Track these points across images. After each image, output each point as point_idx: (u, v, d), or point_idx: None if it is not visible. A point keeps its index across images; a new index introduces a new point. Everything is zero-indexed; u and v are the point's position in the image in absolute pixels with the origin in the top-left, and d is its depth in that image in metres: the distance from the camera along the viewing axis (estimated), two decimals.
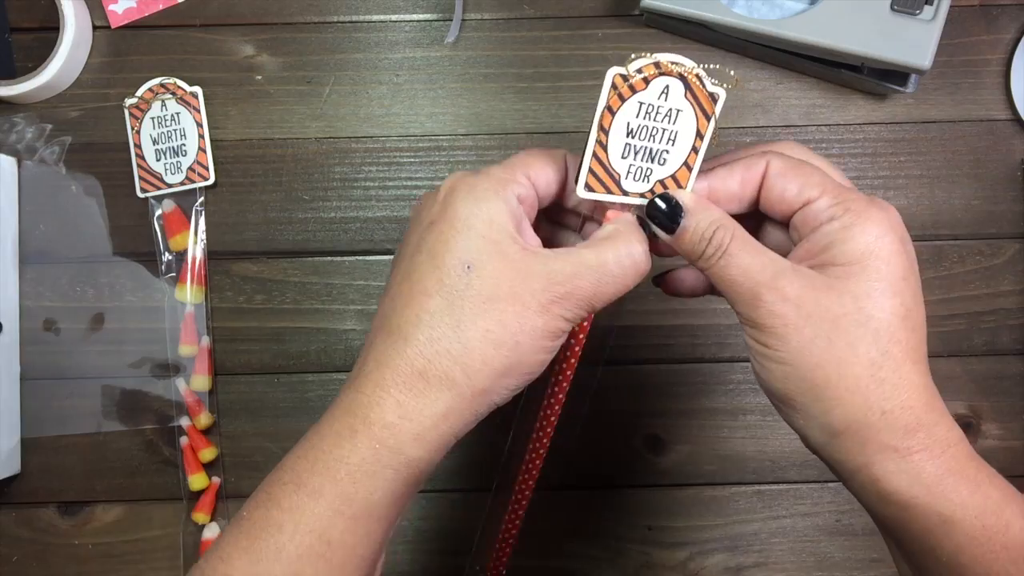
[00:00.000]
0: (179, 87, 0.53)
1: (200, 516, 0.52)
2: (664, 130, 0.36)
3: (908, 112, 0.54)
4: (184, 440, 0.53)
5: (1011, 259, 0.54)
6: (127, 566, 0.53)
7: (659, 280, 0.39)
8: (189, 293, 0.53)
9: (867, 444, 0.31)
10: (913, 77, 0.52)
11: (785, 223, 0.35)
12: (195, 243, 0.54)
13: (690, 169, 0.36)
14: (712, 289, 0.38)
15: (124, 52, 0.55)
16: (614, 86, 0.35)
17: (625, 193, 0.36)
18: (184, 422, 0.53)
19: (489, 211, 0.33)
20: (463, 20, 0.54)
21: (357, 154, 0.54)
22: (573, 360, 0.40)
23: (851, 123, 0.54)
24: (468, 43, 0.55)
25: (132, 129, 0.54)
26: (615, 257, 0.33)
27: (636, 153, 0.36)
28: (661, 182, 0.36)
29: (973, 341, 0.54)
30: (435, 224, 0.33)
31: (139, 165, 0.54)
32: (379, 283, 0.54)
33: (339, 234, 0.54)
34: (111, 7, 0.54)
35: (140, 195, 0.54)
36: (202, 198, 0.54)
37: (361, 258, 0.54)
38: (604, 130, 0.36)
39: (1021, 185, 0.54)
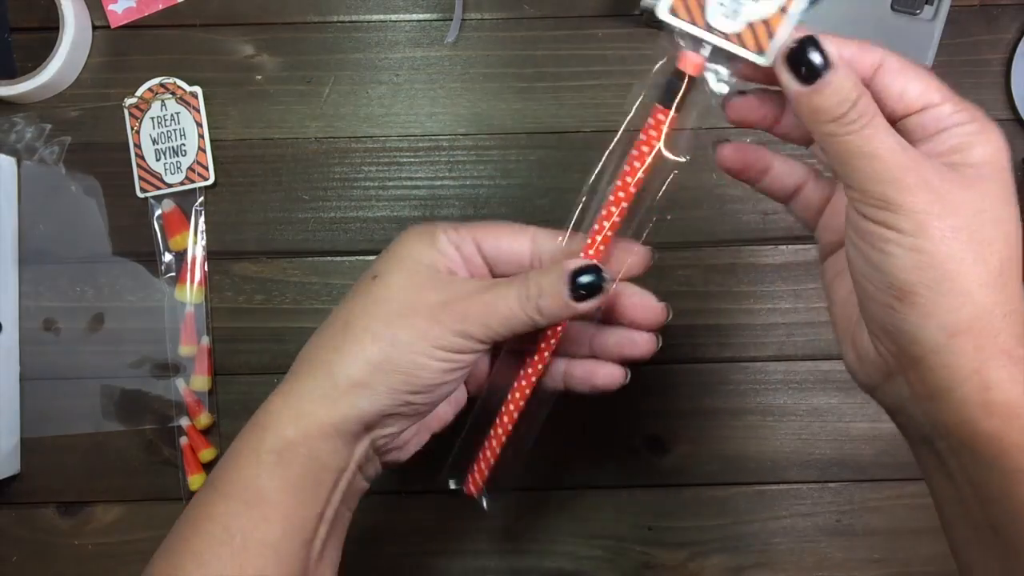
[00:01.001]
0: (179, 87, 0.53)
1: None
2: None
3: None
4: (184, 440, 0.53)
5: None
6: (127, 566, 0.53)
7: (728, 101, 0.35)
8: (189, 293, 0.53)
9: (985, 347, 0.30)
10: None
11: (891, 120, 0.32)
12: (195, 243, 0.54)
13: (786, 13, 0.32)
14: (794, 191, 0.37)
15: (124, 52, 0.55)
16: None
17: (711, 29, 0.32)
18: (184, 422, 0.53)
19: (414, 242, 0.36)
20: (463, 20, 0.54)
21: (357, 154, 0.54)
22: (544, 353, 0.39)
23: None
24: (468, 43, 0.55)
25: (132, 129, 0.54)
26: (516, 294, 0.34)
27: None
28: (753, 24, 0.32)
29: None
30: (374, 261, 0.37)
31: (139, 165, 0.54)
32: None
33: (339, 234, 0.54)
34: (111, 7, 0.54)
35: (140, 195, 0.54)
36: (202, 198, 0.54)
37: (361, 258, 0.54)
38: None
39: (1021, 185, 0.54)
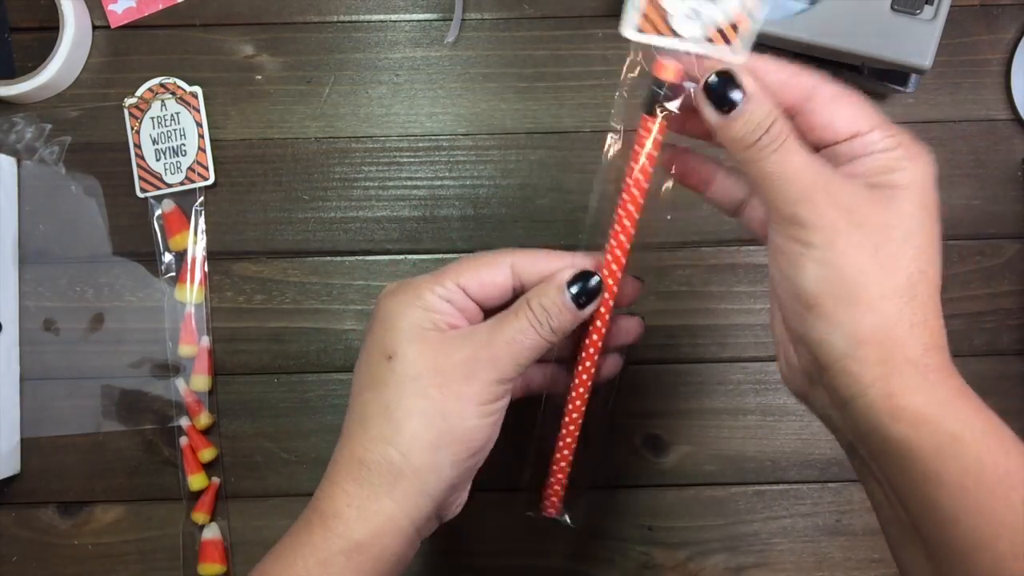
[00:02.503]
0: (179, 87, 0.53)
1: (200, 516, 0.52)
2: None
3: (908, 112, 0.54)
4: (184, 440, 0.53)
5: (1011, 259, 0.54)
6: (127, 566, 0.53)
7: (670, 160, 0.37)
8: (189, 293, 0.53)
9: (891, 356, 0.31)
10: (913, 77, 0.52)
11: (815, 150, 0.34)
12: (195, 243, 0.54)
13: (750, 16, 0.33)
14: (738, 207, 0.38)
15: (124, 52, 0.55)
16: None
17: (677, 36, 0.33)
18: (184, 422, 0.53)
19: (408, 309, 0.36)
20: (463, 20, 0.54)
21: (357, 154, 0.54)
22: (587, 363, 0.40)
23: None
24: (468, 43, 0.55)
25: (132, 129, 0.54)
26: (528, 323, 0.36)
27: None
28: (719, 29, 0.33)
29: (973, 341, 0.54)
30: (367, 330, 0.37)
31: (139, 165, 0.54)
32: (379, 283, 0.54)
33: (339, 234, 0.54)
34: (111, 7, 0.54)
35: (140, 195, 0.54)
36: (202, 198, 0.54)
37: (361, 258, 0.54)
38: None
39: (1021, 185, 0.54)
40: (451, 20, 0.54)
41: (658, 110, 0.35)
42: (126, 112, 0.54)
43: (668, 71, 0.34)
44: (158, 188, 0.54)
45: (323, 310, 0.54)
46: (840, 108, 0.33)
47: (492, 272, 0.37)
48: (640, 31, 0.33)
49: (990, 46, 0.54)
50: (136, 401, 0.54)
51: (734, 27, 0.33)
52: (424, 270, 0.54)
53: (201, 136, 0.54)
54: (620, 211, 0.37)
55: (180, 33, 0.55)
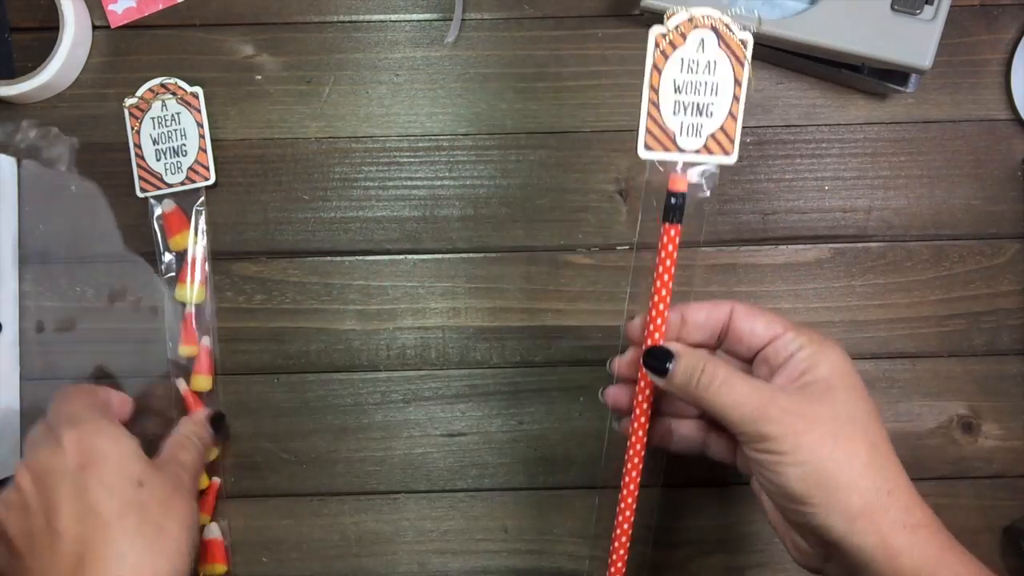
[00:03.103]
0: (179, 87, 0.53)
1: (200, 517, 0.52)
2: (706, 82, 0.39)
3: (908, 112, 0.54)
4: None
5: (1011, 259, 0.54)
6: None
7: (651, 435, 0.44)
8: (189, 293, 0.53)
9: (882, 524, 0.36)
10: (913, 77, 0.52)
11: (749, 360, 0.42)
12: (195, 243, 0.54)
13: (735, 119, 0.39)
14: (702, 446, 0.45)
15: (124, 52, 0.55)
16: (656, 44, 0.38)
17: (681, 150, 0.39)
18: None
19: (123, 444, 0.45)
20: (463, 20, 0.54)
21: (357, 154, 0.54)
22: (638, 446, 0.44)
23: (851, 123, 0.54)
24: (468, 43, 0.55)
25: (132, 129, 0.54)
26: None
27: (686, 109, 0.39)
28: (713, 135, 0.39)
29: (973, 341, 0.54)
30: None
31: (139, 165, 0.54)
32: (379, 283, 0.54)
33: (339, 234, 0.54)
34: (111, 7, 0.54)
35: (140, 195, 0.54)
36: (202, 198, 0.54)
37: (361, 258, 0.54)
38: (655, 89, 0.39)
39: (1021, 185, 0.54)
40: (451, 20, 0.54)
41: (675, 218, 0.40)
42: (126, 112, 0.54)
43: (680, 183, 0.40)
44: (158, 188, 0.53)
45: (323, 310, 0.54)
46: (756, 320, 0.41)
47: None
48: (649, 149, 0.39)
49: (990, 46, 0.54)
50: (136, 401, 0.54)
51: (724, 133, 0.39)
52: (424, 270, 0.54)
53: (202, 136, 0.54)
54: (653, 309, 0.42)
55: (180, 33, 0.55)
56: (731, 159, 0.40)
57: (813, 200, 0.54)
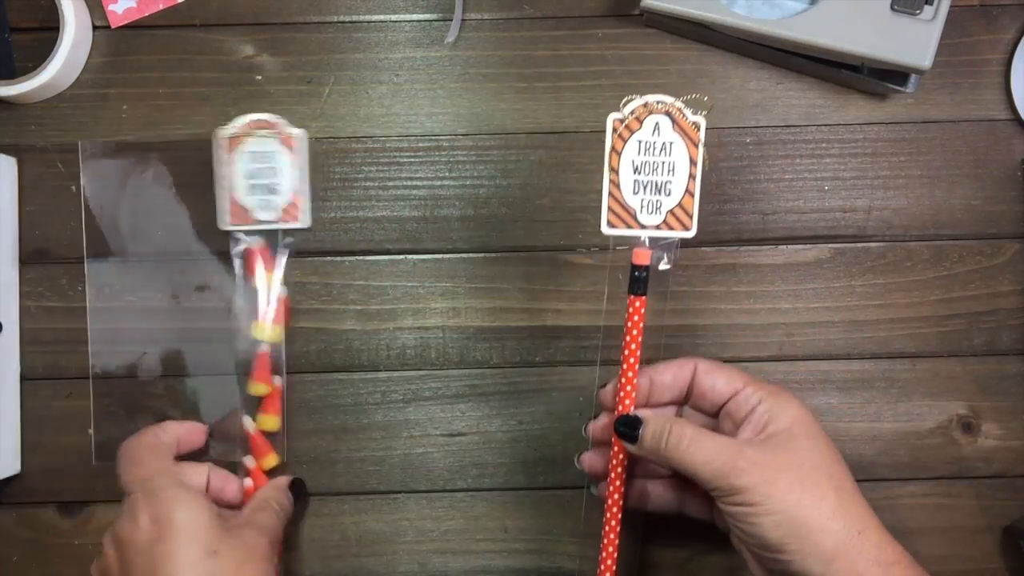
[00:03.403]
0: (275, 123, 0.52)
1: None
2: (663, 163, 0.41)
3: (908, 112, 0.54)
4: (248, 482, 0.51)
5: (1011, 259, 0.54)
6: None
7: (627, 497, 0.47)
8: (267, 331, 0.52)
9: (857, 562, 0.38)
10: (913, 77, 0.52)
11: (714, 414, 0.45)
12: (274, 283, 0.52)
13: (692, 195, 0.42)
14: (679, 505, 0.47)
15: (124, 52, 0.55)
16: (614, 129, 0.42)
17: (643, 226, 0.42)
18: (248, 462, 0.51)
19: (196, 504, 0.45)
20: (463, 20, 0.54)
21: (357, 154, 0.54)
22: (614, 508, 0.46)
23: (851, 123, 0.54)
24: (468, 43, 0.55)
25: (224, 160, 0.51)
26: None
27: (645, 188, 0.42)
28: (672, 211, 0.42)
29: (973, 341, 0.54)
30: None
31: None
32: (379, 283, 0.54)
33: (339, 234, 0.54)
34: (111, 7, 0.54)
35: (224, 228, 0.52)
36: (289, 238, 0.53)
37: (361, 258, 0.54)
38: (615, 170, 0.42)
39: (1021, 185, 0.54)
40: (451, 20, 0.54)
41: (640, 290, 0.43)
42: (218, 142, 0.51)
43: (643, 256, 0.43)
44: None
45: (323, 310, 0.54)
46: (716, 376, 0.44)
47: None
48: (612, 226, 0.43)
49: (990, 46, 0.54)
50: (136, 401, 0.54)
51: (683, 208, 0.42)
52: (424, 270, 0.54)
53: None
54: (622, 377, 0.45)
55: (180, 33, 0.55)
56: (690, 233, 0.43)
57: (813, 200, 0.54)
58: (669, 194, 0.42)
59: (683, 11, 0.50)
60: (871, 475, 0.53)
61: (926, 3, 0.48)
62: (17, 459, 0.53)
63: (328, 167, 0.54)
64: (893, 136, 0.54)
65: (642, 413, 0.44)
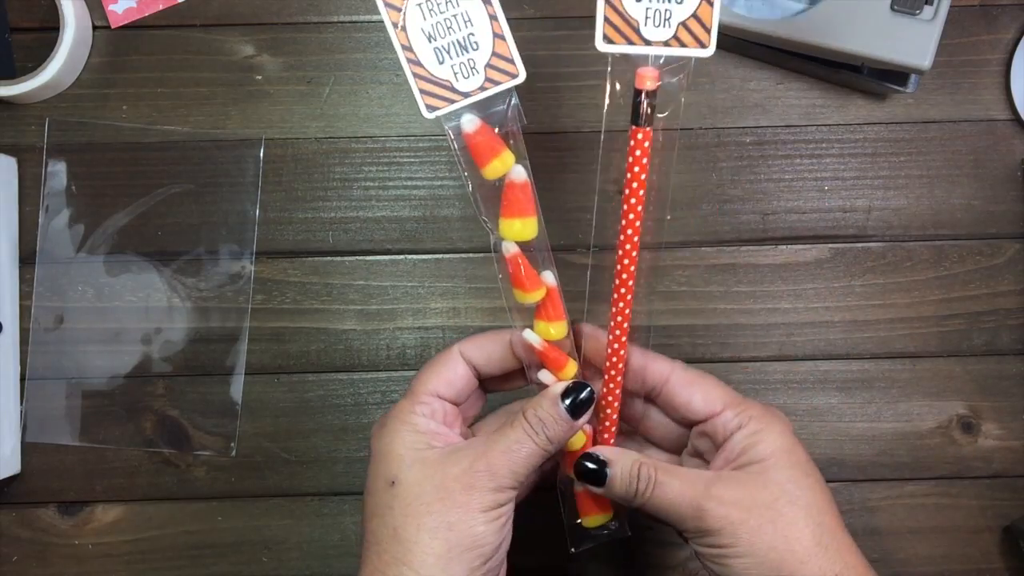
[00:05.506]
0: None
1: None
2: None
3: (908, 112, 0.54)
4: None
5: (1011, 259, 0.54)
6: (127, 566, 0.53)
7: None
8: (517, 228, 0.41)
9: None
10: (913, 77, 0.52)
11: (686, 426, 0.42)
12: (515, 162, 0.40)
13: (711, 4, 0.33)
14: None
15: (124, 52, 0.55)
16: None
17: (647, 42, 0.34)
18: (545, 377, 0.41)
19: (399, 436, 0.38)
20: None
21: (357, 154, 0.54)
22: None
23: (851, 123, 0.54)
24: None
25: (393, 26, 0.38)
26: (524, 434, 0.38)
27: None
28: (683, 24, 0.33)
29: (973, 341, 0.54)
30: (369, 467, 0.40)
31: (415, 74, 0.38)
32: (379, 283, 0.54)
33: (339, 234, 0.54)
34: (111, 7, 0.54)
35: (428, 115, 0.39)
36: (516, 101, 0.39)
37: (361, 258, 0.54)
38: None
39: (1021, 185, 0.54)
40: None
41: (644, 121, 0.35)
42: (381, 5, 0.39)
43: (648, 80, 0.35)
44: (451, 101, 0.38)
45: (323, 310, 0.54)
46: (695, 392, 0.40)
47: (450, 369, 0.41)
48: (609, 41, 0.34)
49: (990, 46, 0.54)
50: (136, 401, 0.54)
51: (698, 20, 0.33)
52: (424, 270, 0.54)
53: (492, 17, 0.38)
54: (624, 219, 0.38)
55: (180, 33, 0.55)
56: (708, 51, 0.33)
57: (813, 200, 0.54)
58: (682, 2, 0.33)
59: None
60: (871, 475, 0.53)
61: (926, 3, 0.48)
62: (17, 459, 0.53)
63: (328, 167, 0.54)
64: (893, 136, 0.54)
65: (604, 452, 0.40)
